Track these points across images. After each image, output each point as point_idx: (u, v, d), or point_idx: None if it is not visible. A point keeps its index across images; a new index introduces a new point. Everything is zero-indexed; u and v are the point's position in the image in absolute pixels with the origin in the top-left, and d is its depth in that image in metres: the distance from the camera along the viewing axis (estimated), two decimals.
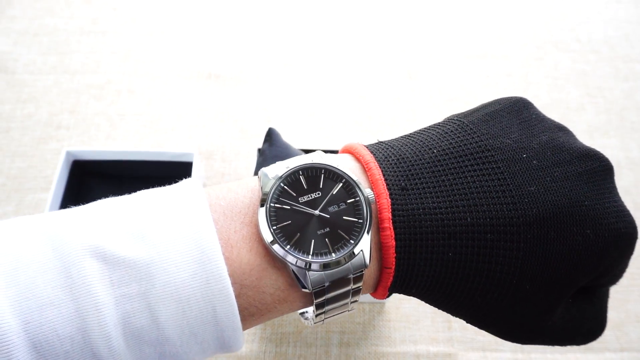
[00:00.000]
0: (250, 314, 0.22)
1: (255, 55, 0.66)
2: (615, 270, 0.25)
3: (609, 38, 0.69)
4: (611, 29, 0.70)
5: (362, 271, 0.23)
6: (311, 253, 0.22)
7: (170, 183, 0.24)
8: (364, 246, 0.23)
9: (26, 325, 0.18)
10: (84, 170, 0.52)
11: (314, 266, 0.22)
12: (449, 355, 0.44)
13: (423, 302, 0.47)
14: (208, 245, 0.20)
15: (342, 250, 0.23)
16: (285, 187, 0.23)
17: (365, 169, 0.24)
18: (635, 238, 0.24)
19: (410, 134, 0.27)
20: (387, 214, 0.22)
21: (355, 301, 0.25)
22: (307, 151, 0.43)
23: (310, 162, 0.24)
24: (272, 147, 0.43)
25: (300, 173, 0.24)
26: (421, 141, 0.25)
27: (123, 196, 0.23)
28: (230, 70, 0.64)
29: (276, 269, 0.22)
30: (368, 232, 0.23)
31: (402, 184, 0.23)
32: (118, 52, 0.65)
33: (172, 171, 0.50)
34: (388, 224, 0.22)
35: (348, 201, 0.23)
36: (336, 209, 0.23)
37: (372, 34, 0.68)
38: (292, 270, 0.22)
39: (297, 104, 0.61)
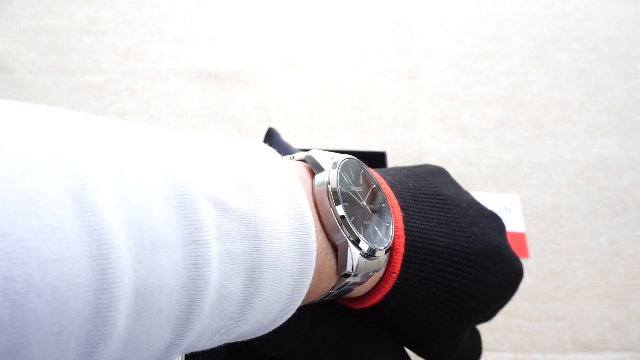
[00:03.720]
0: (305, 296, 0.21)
1: (254, 55, 0.65)
2: (503, 305, 0.29)
3: (610, 37, 0.69)
4: (612, 28, 0.69)
5: (375, 271, 0.23)
6: (363, 235, 0.22)
7: None
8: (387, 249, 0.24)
9: (138, 265, 0.14)
10: None
11: (362, 248, 0.21)
12: None
13: None
14: (306, 219, 0.19)
15: (383, 244, 0.23)
16: (342, 173, 0.23)
17: (379, 181, 0.26)
18: (521, 280, 0.29)
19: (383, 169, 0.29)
20: (401, 224, 0.25)
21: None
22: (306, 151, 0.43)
23: (354, 157, 0.24)
24: (272, 147, 0.43)
25: (350, 165, 0.24)
26: (397, 174, 0.28)
27: (199, 134, 0.19)
28: (229, 70, 0.64)
29: (334, 254, 0.21)
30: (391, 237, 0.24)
31: (400, 202, 0.26)
32: (118, 51, 0.65)
33: None
34: (401, 232, 0.24)
35: (382, 204, 0.24)
36: (372, 207, 0.24)
37: (371, 34, 0.68)
38: (343, 250, 0.21)
39: (297, 104, 0.61)
